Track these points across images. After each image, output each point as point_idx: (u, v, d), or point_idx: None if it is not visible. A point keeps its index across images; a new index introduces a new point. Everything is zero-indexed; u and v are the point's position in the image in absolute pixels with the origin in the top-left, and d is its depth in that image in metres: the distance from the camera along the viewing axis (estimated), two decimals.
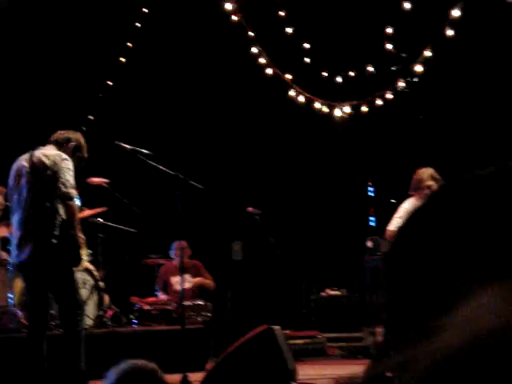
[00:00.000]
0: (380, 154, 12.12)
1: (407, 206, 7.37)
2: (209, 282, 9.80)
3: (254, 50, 10.98)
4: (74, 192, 6.14)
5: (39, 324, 6.18)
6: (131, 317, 9.02)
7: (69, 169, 6.14)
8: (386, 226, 7.45)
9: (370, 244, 10.34)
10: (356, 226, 11.82)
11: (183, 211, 6.65)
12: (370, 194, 12.43)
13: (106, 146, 7.43)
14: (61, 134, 6.41)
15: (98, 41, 10.60)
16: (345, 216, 12.01)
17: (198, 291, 9.72)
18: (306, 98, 11.43)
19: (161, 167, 6.77)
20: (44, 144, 6.37)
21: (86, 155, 6.47)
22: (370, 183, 12.45)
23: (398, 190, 8.44)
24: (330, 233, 12.02)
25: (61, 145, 6.32)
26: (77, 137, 6.47)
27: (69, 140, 6.37)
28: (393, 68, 11.54)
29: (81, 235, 6.23)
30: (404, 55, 11.32)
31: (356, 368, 3.58)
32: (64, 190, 6.06)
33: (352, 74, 11.41)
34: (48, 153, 6.22)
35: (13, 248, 6.30)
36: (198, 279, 9.74)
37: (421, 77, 11.21)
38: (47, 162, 6.15)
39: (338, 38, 11.02)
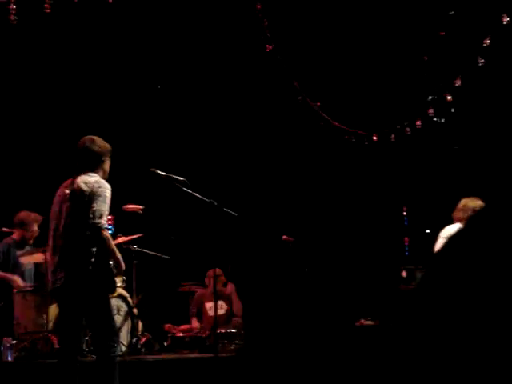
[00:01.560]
0: (415, 184, 12.07)
1: (452, 229, 7.38)
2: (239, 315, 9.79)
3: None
4: (102, 222, 6.10)
5: (71, 350, 6.20)
6: (165, 344, 9.04)
7: (100, 196, 6.12)
8: (419, 255, 7.43)
9: (404, 274, 10.28)
10: (391, 256, 11.75)
11: (218, 238, 6.67)
12: (405, 223, 12.37)
13: (141, 173, 7.48)
14: (93, 154, 6.33)
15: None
16: (380, 246, 11.96)
17: (231, 319, 9.72)
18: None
19: (196, 194, 6.80)
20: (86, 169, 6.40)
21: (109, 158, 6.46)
22: (404, 212, 12.39)
23: (431, 220, 8.40)
24: (365, 262, 11.96)
25: (96, 166, 6.35)
26: (104, 149, 6.43)
27: (100, 158, 6.37)
28: (429, 98, 11.52)
29: (120, 260, 6.24)
30: (439, 83, 11.31)
31: None
32: (92, 220, 6.07)
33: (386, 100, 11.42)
34: (88, 180, 6.26)
35: (49, 274, 6.34)
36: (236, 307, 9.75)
37: (455, 106, 11.18)
38: (85, 189, 6.19)
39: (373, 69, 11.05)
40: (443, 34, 10.64)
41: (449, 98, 11.11)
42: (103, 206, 6.13)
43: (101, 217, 6.10)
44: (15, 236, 8.81)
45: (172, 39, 10.93)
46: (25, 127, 10.50)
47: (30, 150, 10.53)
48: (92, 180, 6.24)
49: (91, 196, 6.13)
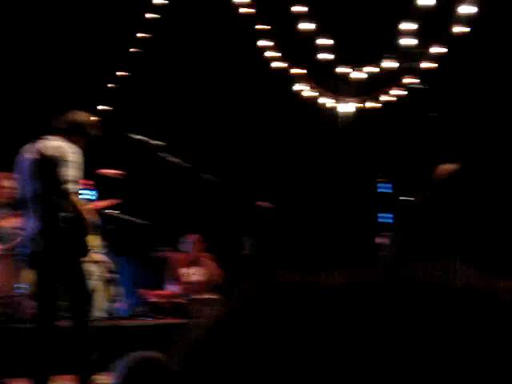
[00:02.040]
0: (392, 152, 12.11)
1: None
2: (217, 280, 9.78)
3: (263, 42, 10.97)
4: (70, 187, 6.06)
5: (48, 314, 6.19)
6: (141, 309, 9.04)
7: (67, 161, 6.07)
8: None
9: (380, 240, 10.30)
10: (365, 225, 11.80)
11: (195, 204, 6.65)
12: (380, 190, 12.41)
13: (118, 138, 7.43)
14: (67, 121, 6.27)
15: (110, 31, 10.61)
16: (355, 214, 12.00)
17: (209, 285, 9.73)
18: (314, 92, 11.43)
19: (171, 159, 6.75)
20: (50, 132, 6.29)
21: (93, 132, 6.36)
22: (380, 180, 12.44)
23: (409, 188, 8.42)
24: (341, 229, 12.00)
25: (65, 132, 6.22)
26: (79, 117, 6.35)
27: (72, 124, 6.28)
28: (404, 64, 11.51)
29: (91, 223, 6.21)
30: (415, 51, 11.29)
31: None
32: (59, 186, 6.02)
33: (365, 68, 11.40)
34: (50, 144, 6.16)
35: (24, 239, 6.31)
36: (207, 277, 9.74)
37: (432, 73, 11.19)
38: (48, 154, 6.11)
39: (351, 33, 11.00)
40: None
41: (423, 65, 11.11)
42: (67, 170, 6.06)
43: (67, 182, 6.04)
44: None
45: (182, 32, 10.95)
46: None
47: None
48: (55, 145, 6.13)
49: (56, 162, 6.05)
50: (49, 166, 6.08)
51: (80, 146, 6.21)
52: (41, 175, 6.11)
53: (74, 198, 6.11)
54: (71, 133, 6.22)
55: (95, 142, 6.34)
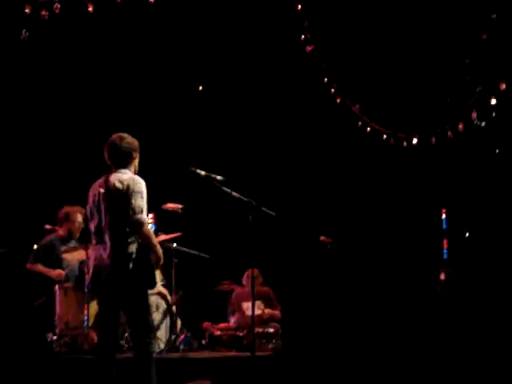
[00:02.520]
0: (456, 187, 12.01)
1: None
2: (278, 314, 9.81)
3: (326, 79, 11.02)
4: (143, 217, 6.21)
5: (109, 345, 6.28)
6: (203, 342, 9.10)
7: (137, 192, 6.22)
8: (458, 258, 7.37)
9: (443, 276, 10.23)
10: (428, 259, 11.69)
11: (256, 238, 6.70)
12: (443, 226, 12.29)
13: (180, 172, 7.55)
14: (123, 152, 6.44)
15: (175, 73, 10.81)
16: (418, 248, 11.90)
17: (269, 318, 9.75)
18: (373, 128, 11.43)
19: (234, 193, 6.83)
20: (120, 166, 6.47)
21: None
22: (443, 215, 12.33)
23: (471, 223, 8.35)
24: (402, 265, 11.91)
25: (126, 163, 6.43)
26: (135, 145, 6.52)
27: (130, 155, 6.46)
28: (469, 101, 11.45)
29: (161, 255, 6.31)
30: (479, 88, 11.24)
31: None
32: (134, 216, 6.17)
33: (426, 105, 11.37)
34: (122, 177, 6.34)
35: (91, 270, 6.41)
36: (268, 311, 9.77)
37: (496, 110, 11.10)
38: (120, 187, 6.27)
39: (413, 69, 11.01)
40: (485, 37, 10.56)
41: (493, 101, 11.02)
42: (141, 201, 6.22)
43: (141, 212, 6.19)
44: (61, 232, 8.87)
45: (211, 39, 11.03)
46: (58, 127, 10.62)
47: (62, 150, 10.65)
48: (126, 177, 6.31)
49: (128, 193, 6.21)
50: (121, 196, 6.22)
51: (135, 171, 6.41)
52: (114, 205, 6.25)
53: (146, 228, 6.25)
54: (132, 162, 6.44)
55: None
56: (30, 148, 10.52)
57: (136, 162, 6.51)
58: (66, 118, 10.66)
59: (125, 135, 6.51)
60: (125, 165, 6.41)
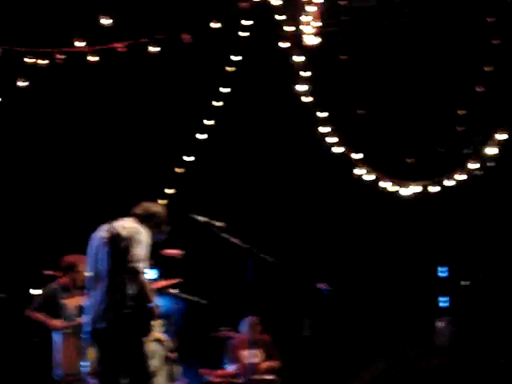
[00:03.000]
0: (454, 237, 12.07)
1: None
2: (276, 364, 9.80)
3: (323, 129, 11.11)
4: (140, 266, 6.22)
5: None
6: None
7: (140, 241, 6.28)
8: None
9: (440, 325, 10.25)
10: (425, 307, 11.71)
11: (254, 284, 6.73)
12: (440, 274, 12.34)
13: (180, 218, 7.62)
14: (144, 209, 6.58)
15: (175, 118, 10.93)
16: (414, 298, 11.93)
17: (267, 366, 9.73)
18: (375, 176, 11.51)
19: (233, 240, 6.87)
20: (126, 215, 6.55)
21: (167, 229, 6.65)
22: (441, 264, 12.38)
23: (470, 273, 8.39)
24: (400, 312, 11.91)
25: (143, 219, 6.51)
26: (160, 211, 6.67)
27: (153, 216, 6.58)
28: (465, 151, 11.55)
29: (154, 305, 6.34)
30: (476, 138, 11.35)
31: None
32: (131, 264, 6.20)
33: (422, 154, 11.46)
34: (126, 225, 6.41)
35: (88, 316, 6.42)
36: (267, 364, 9.76)
37: (495, 160, 11.19)
38: (123, 233, 6.34)
39: (407, 118, 11.14)
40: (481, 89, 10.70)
41: (487, 151, 11.12)
42: (140, 250, 6.26)
43: (139, 261, 6.22)
44: (63, 280, 8.76)
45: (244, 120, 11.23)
46: (56, 174, 10.73)
47: (58, 196, 10.74)
48: (131, 226, 6.39)
49: (129, 240, 6.27)
50: (122, 244, 6.28)
51: (151, 233, 6.48)
52: (113, 253, 6.30)
53: (142, 277, 6.27)
54: (144, 220, 6.50)
55: (166, 236, 6.60)
56: (28, 193, 10.60)
57: (155, 228, 6.58)
58: (63, 163, 10.77)
59: (159, 205, 6.70)
60: (139, 218, 6.49)
